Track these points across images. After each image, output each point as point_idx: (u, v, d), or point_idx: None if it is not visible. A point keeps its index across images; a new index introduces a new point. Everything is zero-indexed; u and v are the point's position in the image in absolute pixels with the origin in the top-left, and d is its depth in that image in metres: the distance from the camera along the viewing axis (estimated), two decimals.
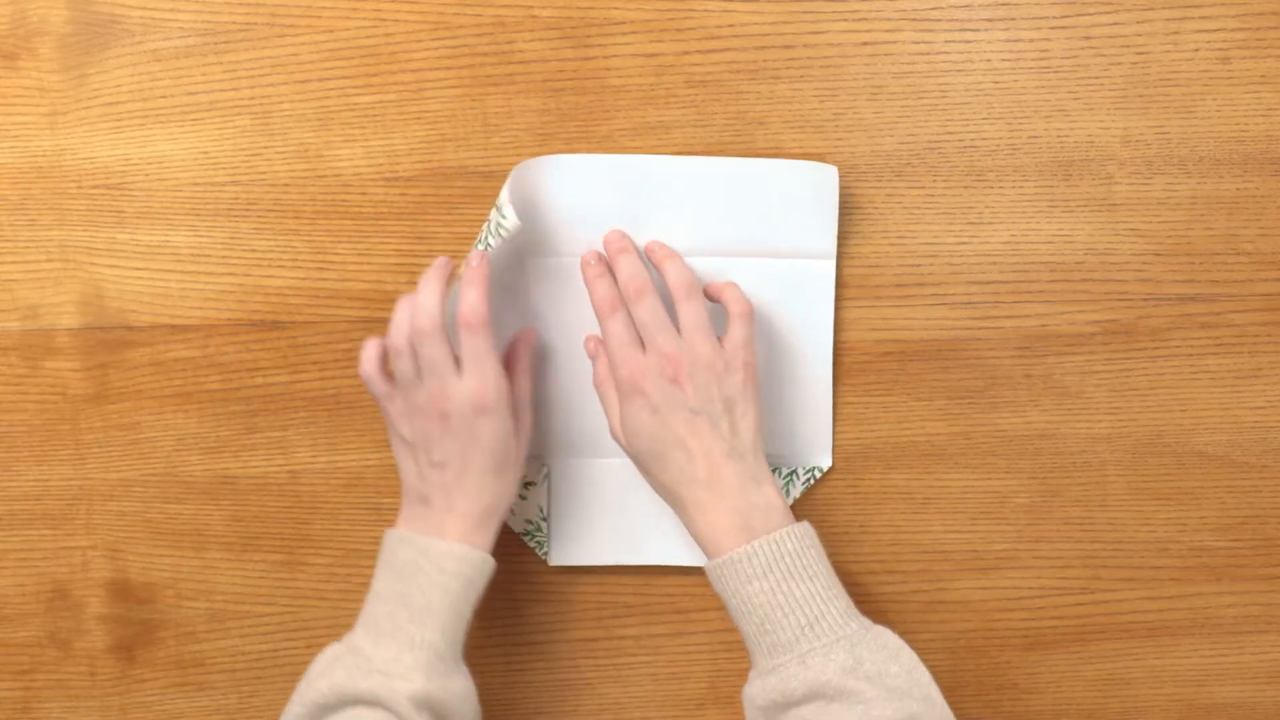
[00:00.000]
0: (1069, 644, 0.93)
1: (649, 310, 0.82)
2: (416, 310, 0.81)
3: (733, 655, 0.93)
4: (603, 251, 0.86)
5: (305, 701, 0.78)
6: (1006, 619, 0.93)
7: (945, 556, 0.92)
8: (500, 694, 0.93)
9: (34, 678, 0.93)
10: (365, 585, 0.91)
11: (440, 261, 0.83)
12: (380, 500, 0.91)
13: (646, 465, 0.83)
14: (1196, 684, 0.93)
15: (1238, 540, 0.92)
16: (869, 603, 0.92)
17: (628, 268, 0.84)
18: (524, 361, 0.86)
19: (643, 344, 0.83)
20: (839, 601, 0.79)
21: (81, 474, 0.91)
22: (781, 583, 0.79)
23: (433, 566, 0.80)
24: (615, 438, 0.85)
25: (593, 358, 0.87)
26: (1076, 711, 0.94)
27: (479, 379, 0.81)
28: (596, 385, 0.87)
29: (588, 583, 0.92)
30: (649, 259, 0.86)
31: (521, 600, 0.92)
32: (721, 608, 0.92)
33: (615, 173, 0.86)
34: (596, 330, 0.87)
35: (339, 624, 0.92)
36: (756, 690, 0.79)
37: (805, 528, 0.81)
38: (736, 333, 0.83)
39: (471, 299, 0.81)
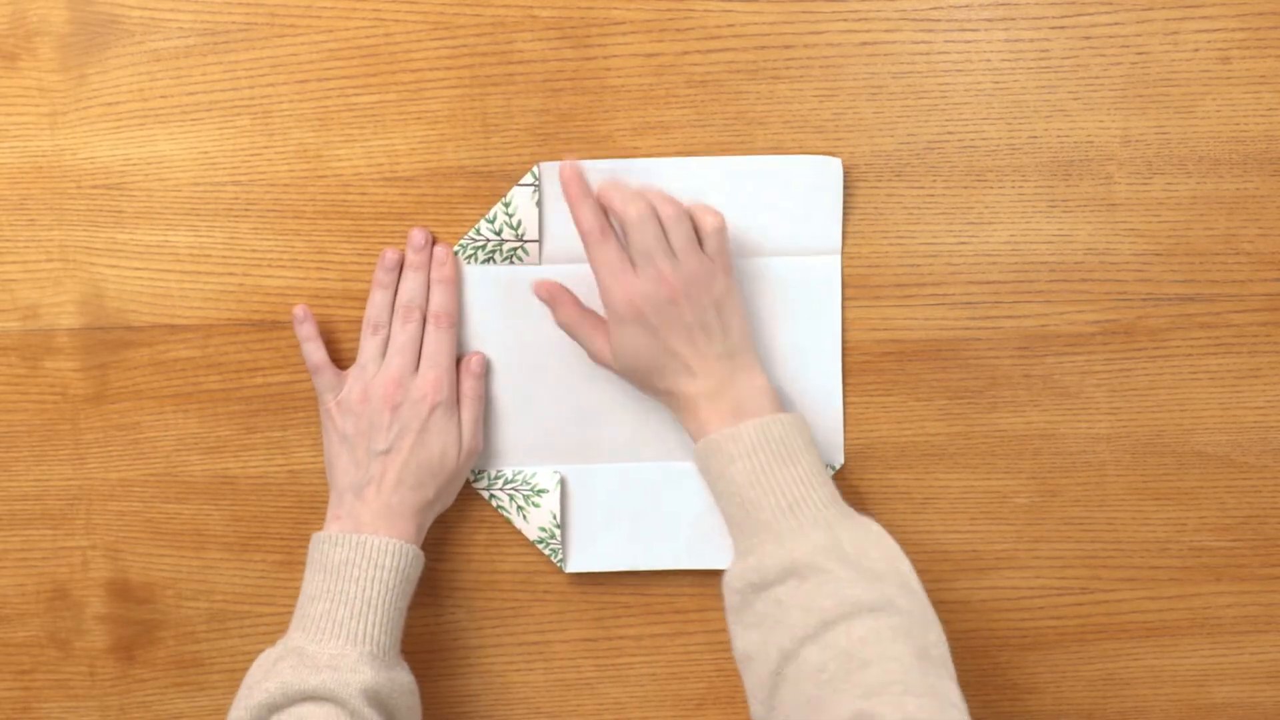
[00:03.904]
0: (1068, 644, 0.93)
1: (652, 236, 0.82)
2: (403, 293, 0.85)
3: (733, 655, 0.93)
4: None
5: (250, 704, 0.78)
6: (1006, 619, 0.93)
7: (945, 556, 0.92)
8: (500, 694, 0.93)
9: (34, 678, 0.93)
10: None
11: (418, 241, 0.86)
12: None
13: (640, 379, 0.85)
14: (1196, 684, 0.93)
15: (1237, 540, 0.92)
16: None
17: (620, 194, 0.83)
18: (469, 386, 0.87)
19: (633, 266, 0.82)
20: (823, 489, 0.80)
21: (81, 474, 0.91)
22: (765, 465, 0.80)
23: (368, 563, 0.81)
24: (598, 362, 0.86)
25: (550, 302, 0.86)
26: (1076, 711, 0.94)
27: (435, 372, 0.84)
28: (566, 326, 0.86)
29: (588, 583, 0.92)
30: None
31: (522, 601, 0.92)
32: (722, 608, 0.92)
33: (619, 177, 0.86)
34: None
35: None
36: (735, 573, 0.79)
37: (795, 417, 0.82)
38: (712, 243, 0.84)
39: (444, 296, 0.86)
